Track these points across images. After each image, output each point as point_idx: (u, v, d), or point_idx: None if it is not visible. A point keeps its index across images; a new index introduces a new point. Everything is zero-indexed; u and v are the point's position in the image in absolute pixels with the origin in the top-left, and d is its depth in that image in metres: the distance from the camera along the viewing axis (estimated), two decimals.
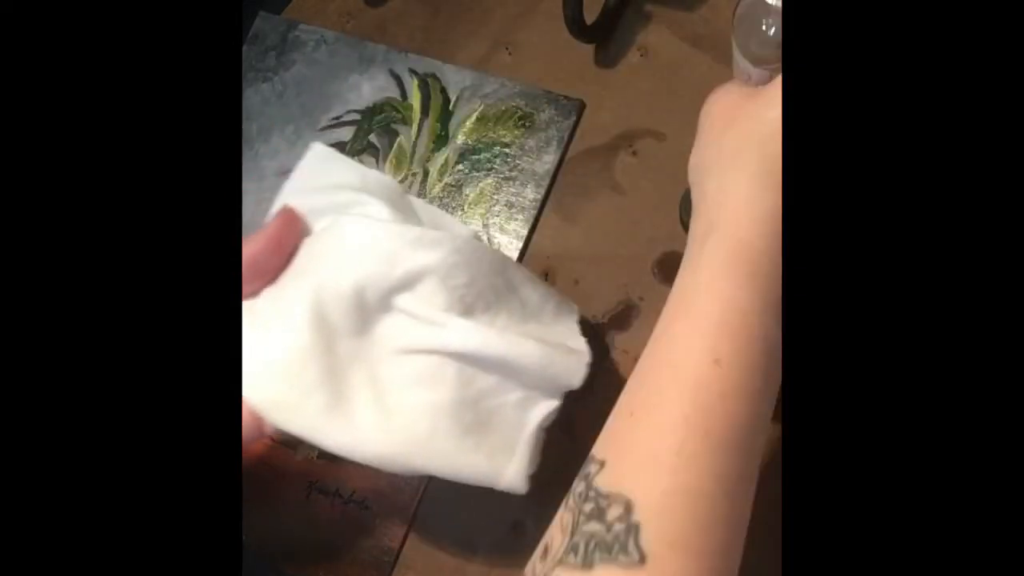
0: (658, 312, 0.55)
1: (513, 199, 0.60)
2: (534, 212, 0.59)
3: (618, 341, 0.56)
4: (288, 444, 0.58)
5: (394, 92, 0.65)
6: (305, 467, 0.57)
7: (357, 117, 0.65)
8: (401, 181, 0.62)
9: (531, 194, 0.60)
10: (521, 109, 0.62)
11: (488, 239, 0.59)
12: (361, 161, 0.63)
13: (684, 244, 0.57)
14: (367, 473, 0.56)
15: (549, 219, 0.58)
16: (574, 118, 0.60)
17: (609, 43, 0.61)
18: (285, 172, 0.63)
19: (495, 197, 0.60)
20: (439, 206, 0.61)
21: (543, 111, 0.61)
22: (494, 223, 0.60)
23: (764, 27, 0.48)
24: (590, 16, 0.58)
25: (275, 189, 0.64)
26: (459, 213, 0.60)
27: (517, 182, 0.60)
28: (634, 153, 0.59)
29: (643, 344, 0.56)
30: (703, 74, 0.59)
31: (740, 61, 0.50)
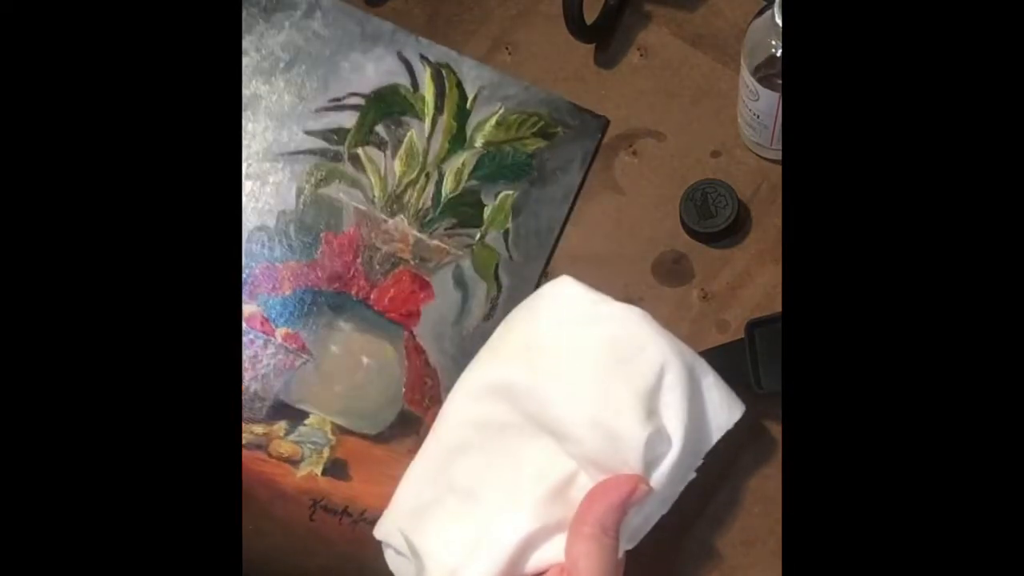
0: (658, 312, 0.55)
1: (533, 216, 0.57)
2: (553, 237, 0.57)
3: None
4: (289, 459, 0.55)
5: (404, 79, 0.59)
6: (308, 484, 0.54)
7: (360, 102, 0.59)
8: (412, 181, 0.58)
9: (552, 213, 0.57)
10: (543, 118, 0.59)
11: (509, 256, 0.57)
12: (366, 154, 0.59)
13: (684, 244, 0.57)
14: (378, 491, 0.53)
15: None
16: (599, 136, 0.58)
17: (609, 43, 0.61)
18: (274, 154, 0.59)
19: (515, 210, 0.57)
20: (453, 213, 0.58)
21: (568, 126, 0.58)
22: (513, 241, 0.57)
23: (772, 48, 0.48)
24: (590, 16, 0.58)
25: (262, 170, 0.58)
26: (478, 225, 0.57)
27: (538, 199, 0.58)
28: (634, 153, 0.58)
29: None
30: (703, 74, 0.59)
31: (748, 80, 0.50)
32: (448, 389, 0.53)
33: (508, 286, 0.56)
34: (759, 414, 0.53)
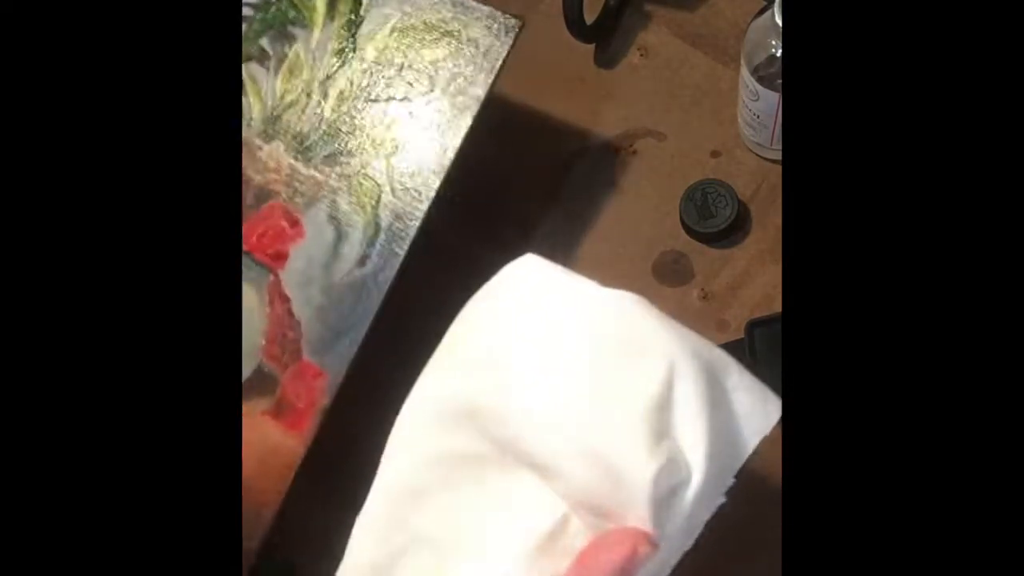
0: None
1: (427, 139, 0.49)
2: (446, 164, 0.49)
3: None
4: None
5: None
6: None
7: (248, 12, 0.51)
8: (294, 102, 0.51)
9: (448, 133, 0.49)
10: (447, 23, 0.50)
11: (391, 190, 0.49)
12: (248, 71, 0.51)
13: (684, 244, 0.57)
14: None
15: (550, 219, 0.58)
16: (511, 43, 0.49)
17: (609, 43, 0.61)
18: None
19: (403, 134, 0.49)
20: (334, 139, 0.50)
21: (473, 29, 0.49)
22: (399, 168, 0.50)
23: (772, 48, 0.48)
24: (590, 16, 0.58)
25: None
26: (361, 153, 0.50)
27: (433, 119, 0.49)
28: (634, 153, 0.59)
29: None
30: (703, 74, 0.59)
31: (748, 80, 0.50)
32: (309, 343, 0.47)
33: (387, 227, 0.49)
34: None
